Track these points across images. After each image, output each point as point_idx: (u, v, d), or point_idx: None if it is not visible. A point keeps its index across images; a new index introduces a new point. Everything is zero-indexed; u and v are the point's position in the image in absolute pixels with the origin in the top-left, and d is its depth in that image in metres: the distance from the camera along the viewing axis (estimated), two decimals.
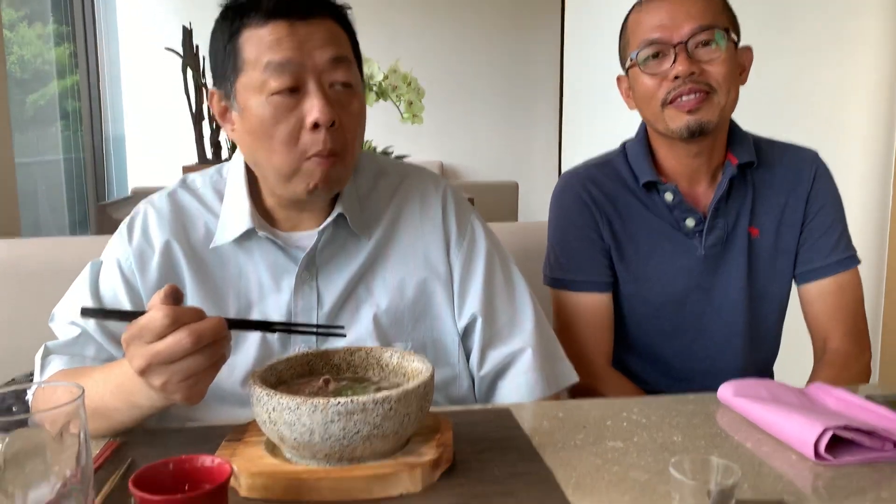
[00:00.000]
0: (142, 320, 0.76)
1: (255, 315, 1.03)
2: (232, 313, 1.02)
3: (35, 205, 3.83)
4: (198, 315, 0.76)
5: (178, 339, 0.74)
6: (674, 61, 1.20)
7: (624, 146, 1.37)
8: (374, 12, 4.30)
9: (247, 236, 1.04)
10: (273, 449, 0.81)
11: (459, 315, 1.08)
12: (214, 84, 1.03)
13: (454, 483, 0.78)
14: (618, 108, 1.44)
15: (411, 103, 1.99)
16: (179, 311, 0.75)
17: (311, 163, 0.97)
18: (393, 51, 2.30)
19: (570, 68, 3.90)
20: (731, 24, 1.24)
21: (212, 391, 0.99)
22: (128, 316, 0.80)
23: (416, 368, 0.87)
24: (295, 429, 0.74)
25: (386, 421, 0.75)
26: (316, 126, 0.95)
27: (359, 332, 1.04)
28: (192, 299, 1.01)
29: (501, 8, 4.99)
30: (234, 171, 1.09)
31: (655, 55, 1.22)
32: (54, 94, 4.07)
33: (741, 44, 1.26)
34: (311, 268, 1.04)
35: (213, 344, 0.76)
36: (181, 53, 2.69)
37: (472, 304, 1.08)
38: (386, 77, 1.96)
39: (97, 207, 4.09)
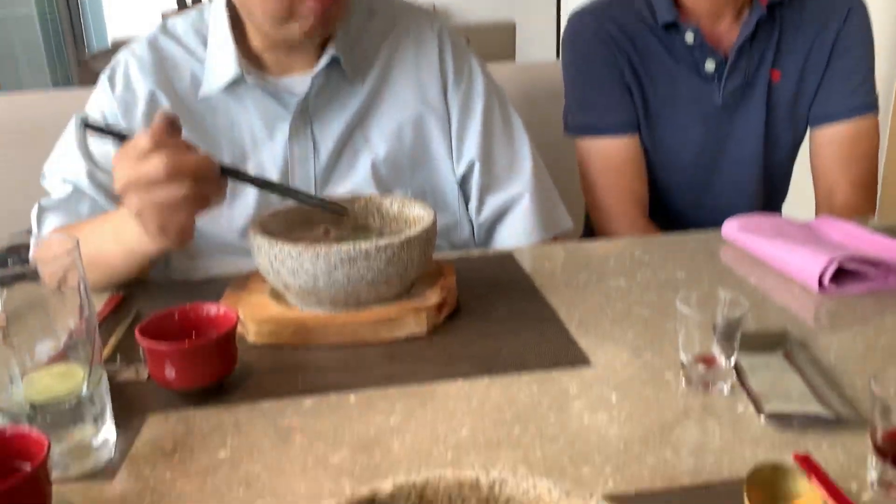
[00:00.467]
0: (130, 141, 0.74)
1: (251, 166, 1.00)
2: None
3: (14, 64, 3.69)
4: (185, 146, 0.74)
5: (155, 164, 0.71)
6: None
7: None
8: None
9: (236, 84, 0.99)
10: (278, 297, 0.81)
11: (458, 160, 1.06)
12: None
13: (459, 324, 0.79)
14: None
15: None
16: (165, 138, 0.73)
17: (308, 1, 0.91)
18: None
19: None
20: None
21: (212, 242, 0.99)
22: (126, 138, 0.77)
23: (418, 215, 0.85)
24: (298, 276, 0.74)
25: (390, 267, 0.75)
26: None
27: (357, 181, 1.02)
28: None
29: None
30: (216, 14, 1.02)
31: None
32: None
33: None
34: (305, 115, 1.00)
35: (196, 179, 0.73)
36: None
37: (470, 148, 1.05)
38: None
39: (80, 64, 3.95)
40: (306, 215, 0.87)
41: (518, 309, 0.82)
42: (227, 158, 1.00)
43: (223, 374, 0.67)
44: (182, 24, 1.06)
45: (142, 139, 0.73)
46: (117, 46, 1.29)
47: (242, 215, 0.99)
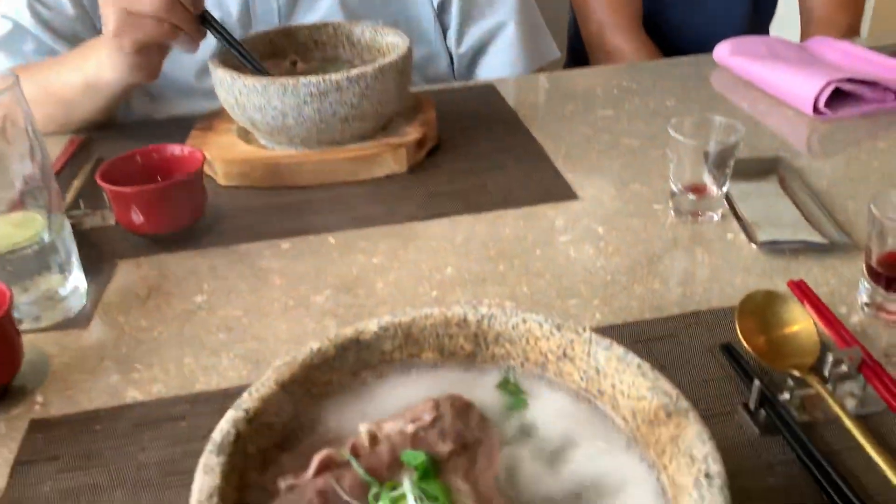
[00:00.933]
0: None
1: None
2: None
3: None
4: None
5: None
6: None
7: None
8: None
9: None
10: (247, 135, 0.76)
11: None
12: None
13: (441, 161, 0.75)
14: None
15: None
16: None
17: None
18: None
19: None
20: None
21: (171, 85, 0.92)
22: None
23: (392, 42, 0.79)
24: (266, 112, 0.69)
25: (363, 100, 0.70)
26: None
27: (323, 12, 0.94)
28: None
29: None
30: None
31: None
32: None
33: None
34: None
35: (171, 4, 0.68)
36: None
37: None
38: None
39: None
40: (273, 46, 0.80)
41: (502, 143, 0.78)
42: None
43: (193, 217, 0.64)
44: None
45: None
46: None
47: (200, 54, 0.92)
